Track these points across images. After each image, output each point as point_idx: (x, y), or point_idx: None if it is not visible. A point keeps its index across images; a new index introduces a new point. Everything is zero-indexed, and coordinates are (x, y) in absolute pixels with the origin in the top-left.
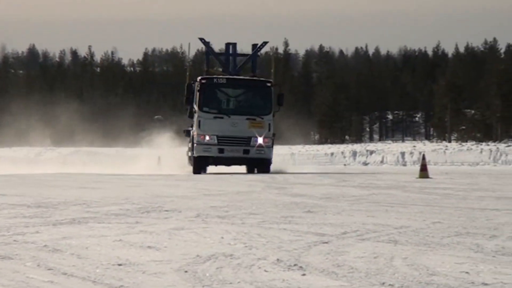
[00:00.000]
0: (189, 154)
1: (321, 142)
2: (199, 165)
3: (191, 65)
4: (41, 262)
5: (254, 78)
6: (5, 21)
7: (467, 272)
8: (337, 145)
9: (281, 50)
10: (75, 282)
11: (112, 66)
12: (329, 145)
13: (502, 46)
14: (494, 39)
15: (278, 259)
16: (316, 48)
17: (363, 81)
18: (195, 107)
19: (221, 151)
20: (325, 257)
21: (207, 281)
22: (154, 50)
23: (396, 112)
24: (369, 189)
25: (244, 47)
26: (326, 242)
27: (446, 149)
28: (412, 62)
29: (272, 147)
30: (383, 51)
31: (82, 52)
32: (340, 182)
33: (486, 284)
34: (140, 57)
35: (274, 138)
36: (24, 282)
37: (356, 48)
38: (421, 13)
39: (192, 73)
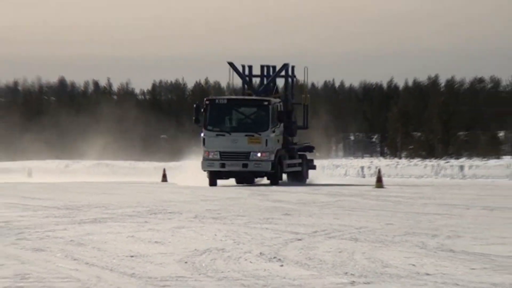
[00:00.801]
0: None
1: None
2: (211, 178)
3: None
4: (68, 254)
5: (253, 97)
6: (39, 57)
7: (413, 265)
8: None
9: None
10: (96, 270)
11: (126, 94)
12: None
13: (442, 81)
14: (436, 75)
15: (261, 253)
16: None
17: (331, 109)
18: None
19: (222, 165)
20: (299, 251)
21: (203, 270)
22: (160, 81)
23: (357, 133)
24: (335, 196)
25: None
26: (300, 239)
27: (397, 164)
28: (371, 94)
29: (276, 160)
30: (347, 84)
31: (102, 83)
32: (312, 190)
33: (428, 274)
34: (150, 87)
35: (277, 152)
36: (54, 270)
37: (325, 82)
38: (377, 53)
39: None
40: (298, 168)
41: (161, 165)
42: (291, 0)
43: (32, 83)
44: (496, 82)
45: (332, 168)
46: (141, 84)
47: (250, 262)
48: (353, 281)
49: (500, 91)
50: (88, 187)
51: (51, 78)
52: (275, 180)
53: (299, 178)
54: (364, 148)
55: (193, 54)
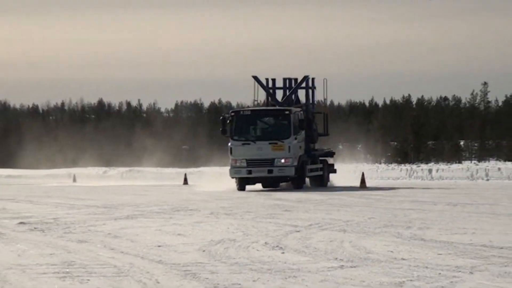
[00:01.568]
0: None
1: None
2: (240, 184)
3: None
4: (106, 244)
5: (275, 108)
6: (80, 81)
7: (391, 251)
8: None
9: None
10: (129, 257)
11: (154, 113)
12: None
13: (414, 100)
14: (409, 94)
15: (265, 242)
16: None
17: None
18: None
19: (249, 172)
20: (298, 241)
21: (218, 257)
22: (182, 101)
23: (345, 143)
24: (327, 195)
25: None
26: (298, 231)
27: (378, 168)
28: (355, 110)
29: (299, 165)
30: (335, 103)
31: (134, 103)
32: (307, 191)
33: (404, 259)
34: (173, 106)
35: (300, 158)
36: (95, 258)
37: (317, 101)
38: (361, 76)
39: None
40: (319, 173)
41: (182, 170)
42: (281, 31)
43: (76, 103)
44: (457, 100)
45: None
46: (166, 103)
47: (257, 250)
48: (342, 265)
49: (461, 107)
50: (123, 190)
51: (92, 99)
52: (298, 184)
53: (320, 182)
54: (350, 156)
55: (209, 76)
